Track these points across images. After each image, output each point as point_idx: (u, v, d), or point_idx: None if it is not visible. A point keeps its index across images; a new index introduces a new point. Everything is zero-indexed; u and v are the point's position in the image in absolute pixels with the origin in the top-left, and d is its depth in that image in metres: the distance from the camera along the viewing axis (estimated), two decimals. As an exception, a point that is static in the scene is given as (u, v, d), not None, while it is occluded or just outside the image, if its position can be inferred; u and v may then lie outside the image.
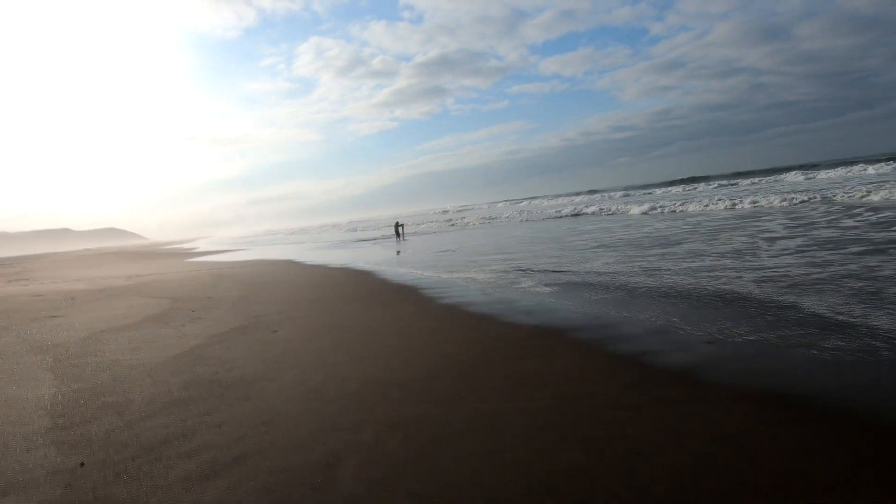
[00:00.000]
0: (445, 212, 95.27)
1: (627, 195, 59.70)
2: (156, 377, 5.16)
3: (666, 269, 9.30)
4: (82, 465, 3.22)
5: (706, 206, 25.39)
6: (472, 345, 5.72)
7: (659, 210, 26.95)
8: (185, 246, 66.98)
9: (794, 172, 47.09)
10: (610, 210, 32.82)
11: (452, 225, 44.39)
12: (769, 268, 8.45)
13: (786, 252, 9.89)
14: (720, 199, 26.82)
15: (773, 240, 11.89)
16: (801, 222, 14.70)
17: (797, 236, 11.99)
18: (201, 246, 58.18)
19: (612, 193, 70.38)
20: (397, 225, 34.13)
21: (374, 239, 36.82)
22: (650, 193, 57.05)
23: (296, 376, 4.91)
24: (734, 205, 24.04)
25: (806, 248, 10.03)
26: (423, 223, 54.71)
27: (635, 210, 29.05)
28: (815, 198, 21.10)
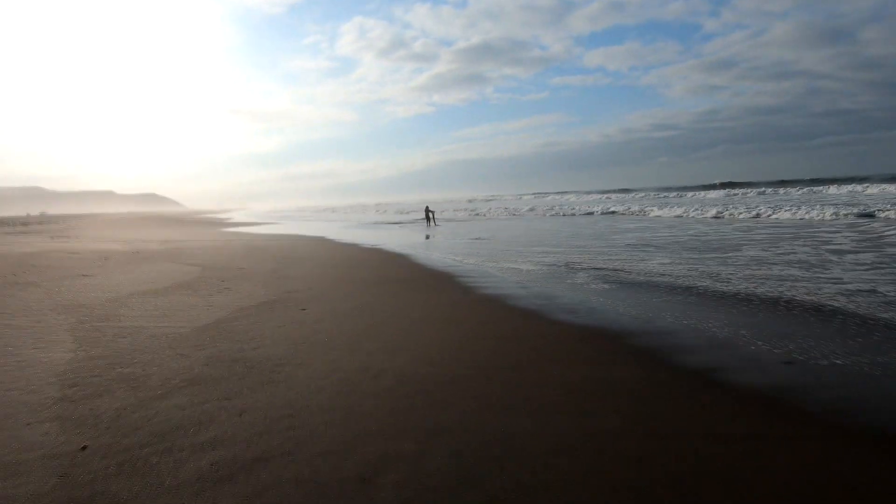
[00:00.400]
0: (471, 201, 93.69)
1: (664, 196, 57.52)
2: (177, 349, 4.81)
3: (728, 275, 8.50)
4: (84, 448, 2.83)
5: (756, 213, 23.94)
6: (519, 343, 5.16)
7: (701, 213, 25.69)
8: (221, 216, 68.31)
9: (838, 185, 44.37)
10: (645, 210, 31.49)
11: (476, 214, 43.71)
12: (848, 281, 7.59)
13: (861, 266, 8.94)
14: (768, 207, 25.37)
15: (840, 252, 10.88)
16: (866, 236, 13.52)
17: (866, 250, 10.94)
18: (236, 217, 59.17)
19: (646, 193, 67.68)
20: (428, 210, 33.64)
21: (403, 222, 36.48)
22: (690, 196, 54.83)
23: (326, 364, 4.47)
24: (780, 213, 22.63)
25: (883, 264, 9.06)
26: (446, 210, 54.21)
27: (674, 211, 27.82)
28: (869, 210, 19.65)
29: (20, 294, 7.27)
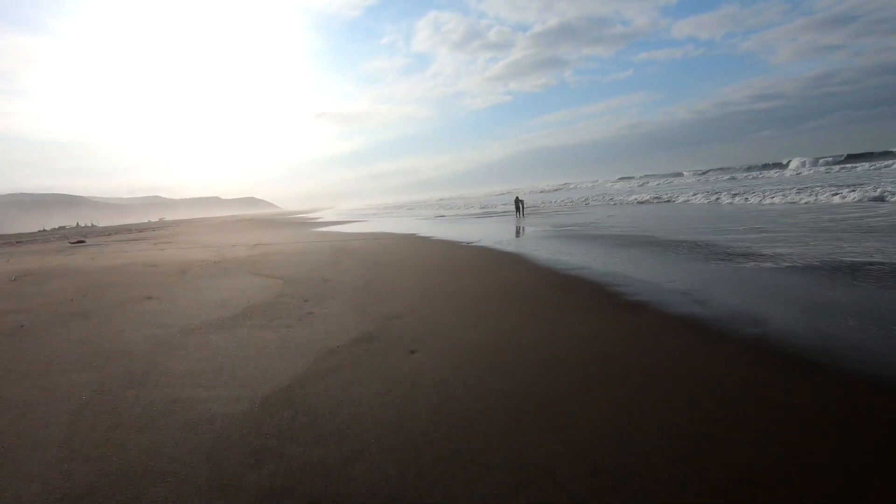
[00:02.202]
0: (557, 189, 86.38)
1: (768, 174, 48.94)
2: (218, 464, 2.75)
3: None
4: None
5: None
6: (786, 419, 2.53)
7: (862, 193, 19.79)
8: (311, 215, 69.94)
9: None
10: (782, 192, 25.17)
11: (572, 203, 40.02)
12: None
13: None
14: None
15: None
16: None
17: None
18: (325, 216, 60.02)
19: (757, 172, 58.07)
20: (517, 200, 30.93)
21: (492, 214, 34.02)
22: (808, 172, 46.46)
23: (478, 482, 2.15)
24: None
25: None
26: (531, 199, 50.81)
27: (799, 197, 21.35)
28: None
29: (60, 332, 5.78)
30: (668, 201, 29.35)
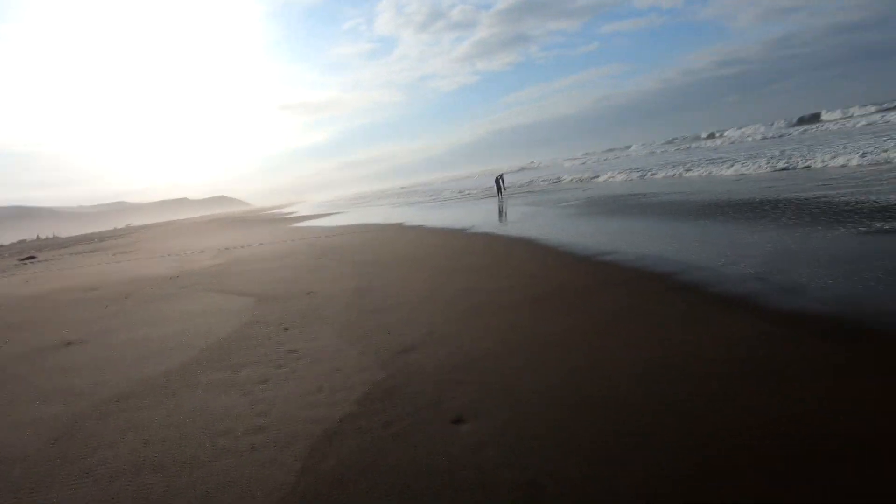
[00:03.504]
0: (522, 169, 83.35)
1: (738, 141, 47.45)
2: None
3: None
4: None
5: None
6: None
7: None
8: (285, 210, 67.00)
9: None
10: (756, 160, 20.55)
11: (557, 182, 38.62)
12: None
13: None
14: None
15: None
16: None
17: None
18: (299, 210, 57.27)
19: (697, 143, 56.06)
20: (498, 179, 29.31)
21: (476, 196, 32.41)
22: (752, 139, 45.33)
23: None
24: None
25: None
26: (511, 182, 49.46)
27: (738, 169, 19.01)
28: None
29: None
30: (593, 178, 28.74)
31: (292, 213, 51.33)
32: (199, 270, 10.60)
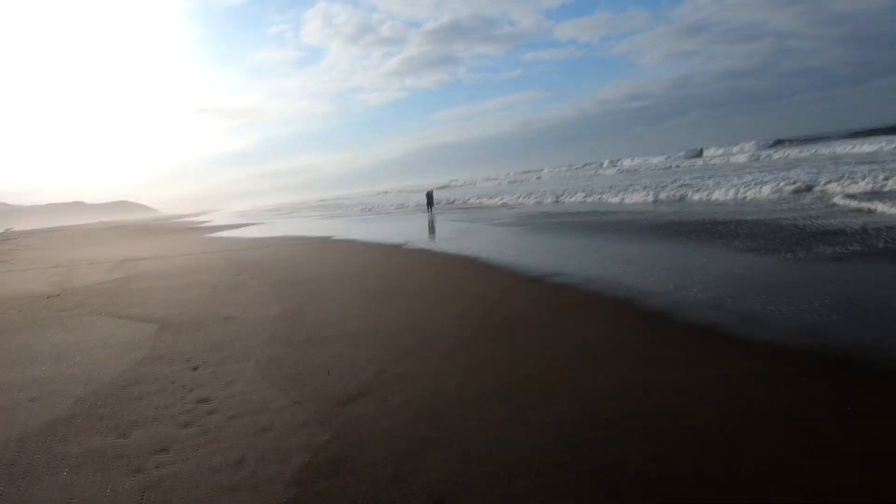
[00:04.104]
0: (444, 186, 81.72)
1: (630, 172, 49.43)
2: None
3: None
4: None
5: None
6: None
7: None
8: (198, 219, 62.05)
9: (799, 147, 38.33)
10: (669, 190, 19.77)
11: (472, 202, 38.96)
12: None
13: None
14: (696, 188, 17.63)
15: None
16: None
17: None
18: (215, 219, 53.22)
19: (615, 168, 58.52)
20: (429, 194, 28.37)
21: (403, 211, 31.81)
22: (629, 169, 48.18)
23: None
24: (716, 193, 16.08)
25: None
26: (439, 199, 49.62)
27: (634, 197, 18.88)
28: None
29: None
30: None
31: (206, 222, 47.62)
32: (88, 288, 8.93)
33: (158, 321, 6.02)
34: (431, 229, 16.65)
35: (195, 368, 4.28)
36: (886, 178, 12.54)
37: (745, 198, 14.86)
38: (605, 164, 62.52)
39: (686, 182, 19.89)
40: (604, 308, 5.31)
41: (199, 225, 40.17)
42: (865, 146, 29.14)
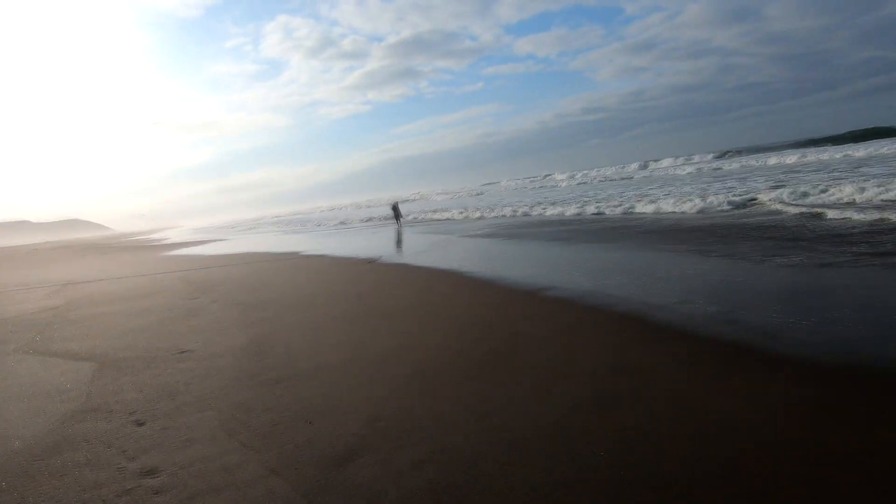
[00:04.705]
0: (410, 199, 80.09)
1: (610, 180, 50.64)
2: None
3: None
4: None
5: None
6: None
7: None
8: (154, 236, 59.03)
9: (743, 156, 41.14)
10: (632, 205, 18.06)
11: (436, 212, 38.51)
12: None
13: None
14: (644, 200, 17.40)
15: None
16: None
17: None
18: (171, 237, 50.69)
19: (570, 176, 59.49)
20: (395, 206, 27.61)
21: (369, 224, 30.96)
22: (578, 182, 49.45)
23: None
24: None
25: None
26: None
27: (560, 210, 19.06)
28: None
29: None
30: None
31: (163, 239, 45.25)
32: (16, 318, 7.77)
33: (98, 359, 5.08)
34: (404, 242, 15.95)
35: (140, 424, 3.44)
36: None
37: (693, 209, 14.28)
38: (563, 177, 63.42)
39: (645, 192, 19.98)
40: (613, 327, 4.74)
41: (155, 243, 38.03)
42: (811, 156, 30.89)
